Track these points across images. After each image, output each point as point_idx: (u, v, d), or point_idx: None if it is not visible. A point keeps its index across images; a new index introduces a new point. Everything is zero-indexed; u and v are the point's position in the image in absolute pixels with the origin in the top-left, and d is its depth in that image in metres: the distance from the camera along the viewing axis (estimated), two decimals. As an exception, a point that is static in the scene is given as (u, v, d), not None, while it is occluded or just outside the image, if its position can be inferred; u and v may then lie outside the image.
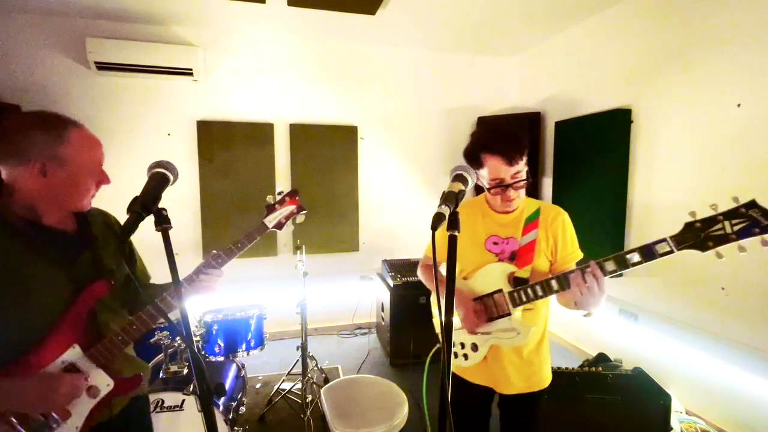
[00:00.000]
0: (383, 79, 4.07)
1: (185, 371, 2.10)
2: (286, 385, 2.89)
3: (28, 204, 1.03)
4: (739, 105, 2.28)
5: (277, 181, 3.86)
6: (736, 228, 1.00)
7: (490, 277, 1.42)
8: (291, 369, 2.99)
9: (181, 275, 1.00)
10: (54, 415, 1.00)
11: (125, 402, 1.17)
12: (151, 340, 2.11)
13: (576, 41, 3.52)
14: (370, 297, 4.14)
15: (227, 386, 2.33)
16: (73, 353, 1.04)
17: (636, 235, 2.96)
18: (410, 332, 3.34)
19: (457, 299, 1.42)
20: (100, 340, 1.08)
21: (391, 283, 3.47)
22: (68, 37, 3.28)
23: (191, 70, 3.40)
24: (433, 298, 1.72)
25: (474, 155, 1.38)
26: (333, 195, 4.00)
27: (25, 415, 0.98)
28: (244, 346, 2.63)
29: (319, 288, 3.97)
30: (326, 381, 3.03)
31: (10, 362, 0.98)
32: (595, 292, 1.16)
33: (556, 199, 3.68)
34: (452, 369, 1.57)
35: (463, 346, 1.49)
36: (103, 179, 1.12)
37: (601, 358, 2.98)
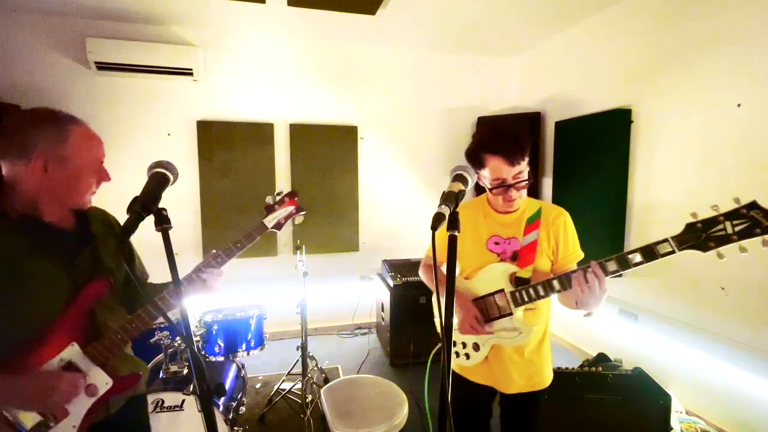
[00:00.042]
0: (383, 79, 4.07)
1: (185, 371, 2.10)
2: (286, 385, 2.89)
3: (29, 201, 1.03)
4: (739, 105, 2.28)
5: (277, 181, 3.86)
6: (737, 229, 1.01)
7: (491, 277, 1.42)
8: (291, 369, 2.99)
9: (181, 275, 1.00)
10: (51, 413, 1.00)
11: (123, 402, 1.17)
12: (151, 340, 2.11)
13: (576, 41, 3.52)
14: (370, 297, 4.14)
15: (227, 386, 2.33)
16: (72, 351, 1.04)
17: (636, 235, 2.96)
18: (410, 332, 3.34)
19: (457, 301, 1.43)
20: (98, 339, 1.08)
21: (391, 283, 3.47)
22: (68, 37, 3.28)
23: (191, 70, 3.40)
24: (435, 298, 1.73)
25: (476, 155, 1.39)
26: (333, 195, 3.99)
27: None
28: (244, 346, 2.63)
29: (319, 288, 3.96)
30: (326, 381, 3.03)
31: (9, 359, 0.98)
32: (596, 291, 1.17)
33: (556, 199, 3.68)
34: (454, 368, 1.57)
35: (464, 345, 1.50)
36: (103, 176, 1.12)
37: (601, 358, 2.98)
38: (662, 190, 2.75)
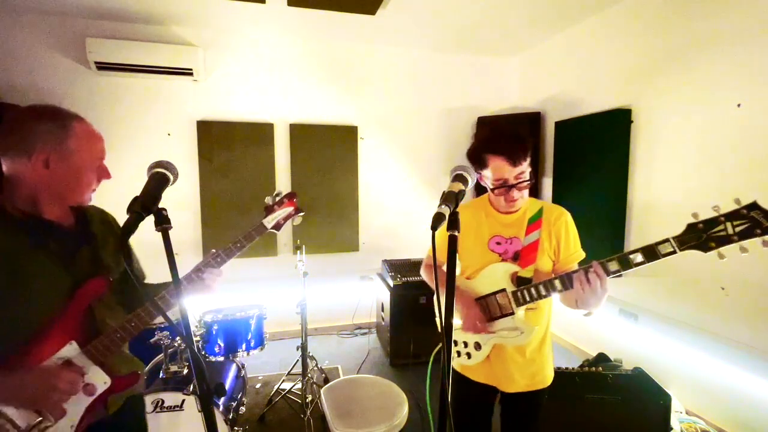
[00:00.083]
0: (383, 79, 4.07)
1: (185, 371, 2.10)
2: (286, 385, 2.89)
3: (29, 197, 1.03)
4: (739, 105, 2.28)
5: (277, 181, 3.86)
6: (737, 229, 1.02)
7: (493, 276, 1.43)
8: (291, 369, 3.00)
9: (181, 275, 1.00)
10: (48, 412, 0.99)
11: (121, 402, 1.17)
12: (151, 340, 2.11)
13: (576, 41, 3.52)
14: (370, 297, 4.14)
15: (227, 386, 2.33)
16: (70, 350, 1.04)
17: (636, 235, 2.96)
18: (410, 332, 3.34)
19: (459, 301, 1.43)
20: (96, 337, 1.07)
21: (391, 283, 3.47)
22: (68, 37, 3.28)
23: (191, 70, 3.40)
24: (435, 298, 1.73)
25: (478, 156, 1.40)
26: (333, 195, 3.99)
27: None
28: (244, 346, 2.62)
29: (319, 288, 3.96)
30: (326, 381, 3.03)
31: (7, 357, 0.97)
32: (597, 291, 1.17)
33: (556, 199, 3.68)
34: (455, 367, 1.58)
35: (466, 344, 1.50)
36: (103, 174, 1.12)
37: (601, 358, 2.98)
38: (662, 190, 2.75)
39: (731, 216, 1.03)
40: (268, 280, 3.85)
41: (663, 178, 2.74)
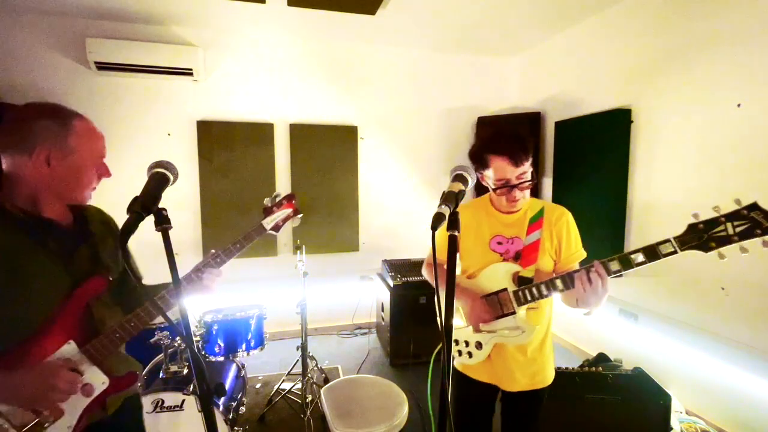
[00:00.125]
0: (383, 79, 4.07)
1: (185, 371, 2.10)
2: (286, 385, 2.89)
3: (29, 195, 1.03)
4: (739, 105, 2.28)
5: (277, 181, 3.86)
6: (738, 230, 1.03)
7: (494, 276, 1.43)
8: (291, 369, 3.00)
9: (181, 275, 1.00)
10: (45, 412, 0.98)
11: (119, 402, 1.16)
12: (151, 340, 2.11)
13: (576, 41, 3.52)
14: (370, 297, 4.14)
15: (227, 386, 2.33)
16: (69, 349, 1.03)
17: (636, 235, 2.96)
18: (410, 332, 3.34)
19: (464, 295, 1.45)
20: (95, 336, 1.07)
21: (391, 283, 3.47)
22: (68, 37, 3.28)
23: (191, 70, 3.40)
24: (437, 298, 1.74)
25: (480, 156, 1.40)
26: (333, 195, 4.00)
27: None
28: (244, 346, 2.62)
29: (319, 288, 3.96)
30: (326, 381, 3.04)
31: (6, 355, 0.97)
32: (598, 291, 1.18)
33: (556, 199, 3.68)
34: (457, 366, 1.59)
35: (467, 344, 1.51)
36: (104, 172, 1.12)
37: (601, 358, 2.98)
38: (662, 190, 2.75)
39: (732, 216, 1.04)
40: (268, 280, 3.85)
41: (663, 178, 2.74)
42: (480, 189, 1.53)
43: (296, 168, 3.88)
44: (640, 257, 1.15)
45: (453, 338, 1.52)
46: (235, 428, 2.25)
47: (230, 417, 2.13)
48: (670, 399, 2.19)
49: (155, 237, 0.88)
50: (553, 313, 1.54)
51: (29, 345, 0.99)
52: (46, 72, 3.27)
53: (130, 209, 0.86)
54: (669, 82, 2.67)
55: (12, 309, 0.98)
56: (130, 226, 0.84)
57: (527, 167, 1.37)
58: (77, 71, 3.32)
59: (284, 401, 2.78)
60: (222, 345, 2.58)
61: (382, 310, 3.78)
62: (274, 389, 2.89)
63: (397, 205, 4.25)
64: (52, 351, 1.01)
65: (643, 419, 2.20)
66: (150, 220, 0.89)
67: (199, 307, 2.78)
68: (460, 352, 1.53)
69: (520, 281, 1.41)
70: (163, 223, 0.88)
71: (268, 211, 1.39)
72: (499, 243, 1.47)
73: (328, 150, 3.94)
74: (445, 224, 0.93)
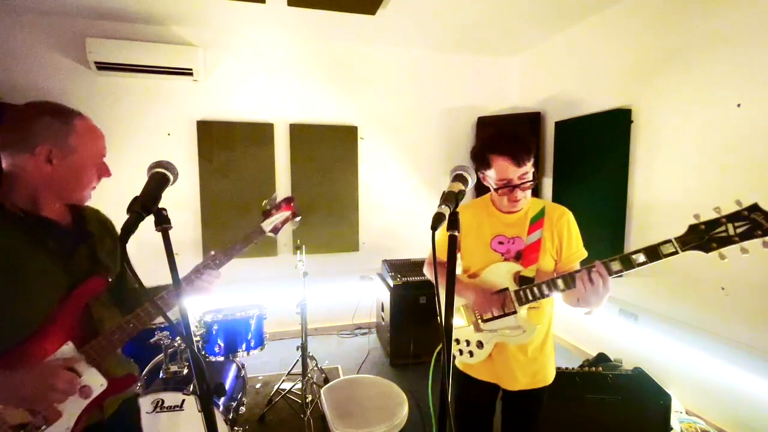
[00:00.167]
0: (383, 79, 4.07)
1: (185, 371, 2.10)
2: (286, 385, 2.89)
3: (29, 194, 1.03)
4: (739, 105, 2.28)
5: (277, 181, 3.86)
6: (738, 230, 1.03)
7: (496, 276, 1.44)
8: (291, 369, 3.00)
9: (181, 275, 0.99)
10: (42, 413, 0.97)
11: (117, 404, 1.16)
12: (151, 340, 2.11)
13: (576, 41, 3.52)
14: (370, 297, 4.14)
15: (227, 386, 2.33)
16: (67, 350, 1.03)
17: (636, 235, 2.96)
18: (410, 332, 3.34)
19: (469, 289, 1.46)
20: (94, 338, 1.06)
21: (391, 283, 3.47)
22: (68, 37, 3.28)
23: (191, 70, 3.40)
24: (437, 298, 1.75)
25: (482, 156, 1.41)
26: (333, 195, 3.99)
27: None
28: (244, 346, 2.62)
29: (319, 288, 3.96)
30: (326, 381, 3.03)
31: (4, 355, 0.96)
32: (599, 291, 1.19)
33: (556, 199, 3.68)
34: (458, 365, 1.60)
35: (468, 343, 1.51)
36: (104, 171, 1.12)
37: (601, 358, 2.98)
38: (662, 190, 2.75)
39: (732, 217, 1.04)
40: (268, 280, 3.85)
41: (663, 178, 2.74)
42: (480, 189, 1.53)
43: (296, 168, 3.88)
44: (641, 257, 1.15)
45: (454, 337, 1.52)
46: (235, 428, 2.25)
47: (230, 417, 2.13)
48: (670, 399, 2.20)
49: (155, 237, 0.88)
50: (554, 312, 1.54)
51: (28, 345, 0.99)
52: (47, 72, 3.27)
53: (130, 209, 0.85)
54: (669, 82, 2.67)
55: (11, 309, 0.98)
56: (130, 226, 0.84)
57: (529, 167, 1.38)
58: (77, 71, 3.32)
59: (284, 401, 2.78)
60: (222, 345, 2.58)
61: (382, 310, 3.78)
62: (274, 389, 2.89)
63: (397, 205, 4.25)
64: (51, 351, 1.01)
65: (643, 419, 2.19)
66: (150, 220, 0.89)
67: (199, 307, 2.78)
68: (461, 351, 1.53)
69: (522, 281, 1.41)
70: (163, 223, 0.89)
71: (266, 214, 1.40)
72: (501, 243, 1.47)
73: (328, 150, 3.94)
74: (445, 224, 0.93)
